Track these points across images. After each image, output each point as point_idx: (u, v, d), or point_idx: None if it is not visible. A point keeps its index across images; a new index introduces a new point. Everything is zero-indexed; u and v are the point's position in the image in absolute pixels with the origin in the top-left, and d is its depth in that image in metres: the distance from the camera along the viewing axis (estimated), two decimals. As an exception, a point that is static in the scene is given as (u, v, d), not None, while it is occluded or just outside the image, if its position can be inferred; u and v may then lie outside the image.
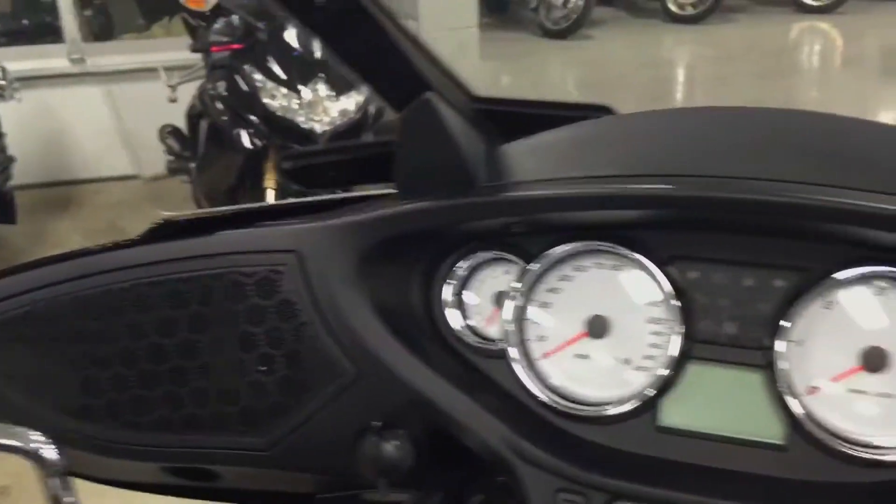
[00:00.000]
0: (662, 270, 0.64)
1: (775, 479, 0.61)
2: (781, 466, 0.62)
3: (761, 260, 0.63)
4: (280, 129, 2.95)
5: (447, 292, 0.70)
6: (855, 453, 0.59)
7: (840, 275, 0.60)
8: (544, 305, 0.68)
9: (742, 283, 0.64)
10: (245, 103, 3.01)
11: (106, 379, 0.69)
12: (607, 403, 0.65)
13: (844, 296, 0.61)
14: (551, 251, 0.66)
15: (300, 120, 2.94)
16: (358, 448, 0.66)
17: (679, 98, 6.68)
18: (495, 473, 0.67)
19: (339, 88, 2.98)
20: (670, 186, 0.62)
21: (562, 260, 0.67)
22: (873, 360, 0.60)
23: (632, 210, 0.63)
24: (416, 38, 0.64)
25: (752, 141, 0.65)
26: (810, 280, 0.61)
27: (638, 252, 0.64)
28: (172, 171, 3.80)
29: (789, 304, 0.62)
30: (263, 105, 2.95)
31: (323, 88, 2.98)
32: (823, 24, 8.05)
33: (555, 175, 0.65)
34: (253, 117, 2.99)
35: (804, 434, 0.61)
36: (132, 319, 0.68)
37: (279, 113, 2.95)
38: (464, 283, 0.70)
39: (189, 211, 0.70)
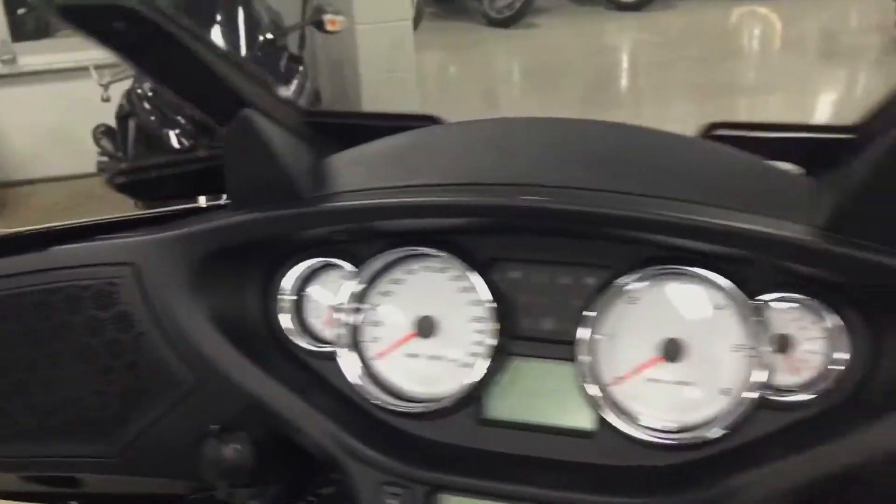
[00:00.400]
0: (481, 272, 0.67)
1: (586, 465, 0.66)
2: (591, 453, 0.66)
3: (569, 260, 0.68)
4: (208, 129, 2.93)
5: (283, 299, 0.73)
6: (654, 439, 0.64)
7: (638, 273, 0.64)
8: (376, 308, 0.71)
9: (554, 282, 0.68)
10: (172, 103, 2.98)
11: None
12: (436, 399, 0.69)
13: (644, 292, 0.66)
14: (376, 257, 0.69)
15: (229, 118, 2.92)
16: (200, 452, 0.69)
17: (624, 84, 6.79)
18: (330, 470, 0.70)
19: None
20: (481, 196, 0.65)
21: (391, 264, 0.70)
22: (671, 351, 0.65)
23: (446, 218, 0.66)
24: (234, 56, 0.66)
25: (565, 151, 0.68)
26: (613, 278, 0.66)
27: (457, 256, 0.67)
28: (104, 171, 3.74)
29: (595, 300, 0.66)
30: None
31: (252, 85, 2.96)
32: (763, 9, 8.22)
33: (378, 184, 0.68)
34: (180, 118, 2.97)
35: (609, 422, 0.65)
36: None
37: (207, 112, 2.92)
38: (300, 290, 0.73)
39: (28, 227, 0.72)
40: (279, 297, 0.73)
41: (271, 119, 0.66)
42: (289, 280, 0.72)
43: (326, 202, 0.66)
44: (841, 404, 0.61)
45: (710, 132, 0.68)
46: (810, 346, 0.64)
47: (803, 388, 0.64)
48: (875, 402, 0.59)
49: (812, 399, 0.62)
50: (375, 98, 4.34)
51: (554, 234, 0.67)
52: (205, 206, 0.73)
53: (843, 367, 0.62)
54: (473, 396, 0.67)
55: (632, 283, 0.65)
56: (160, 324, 0.68)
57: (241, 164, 0.66)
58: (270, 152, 0.65)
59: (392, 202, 0.65)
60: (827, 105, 5.86)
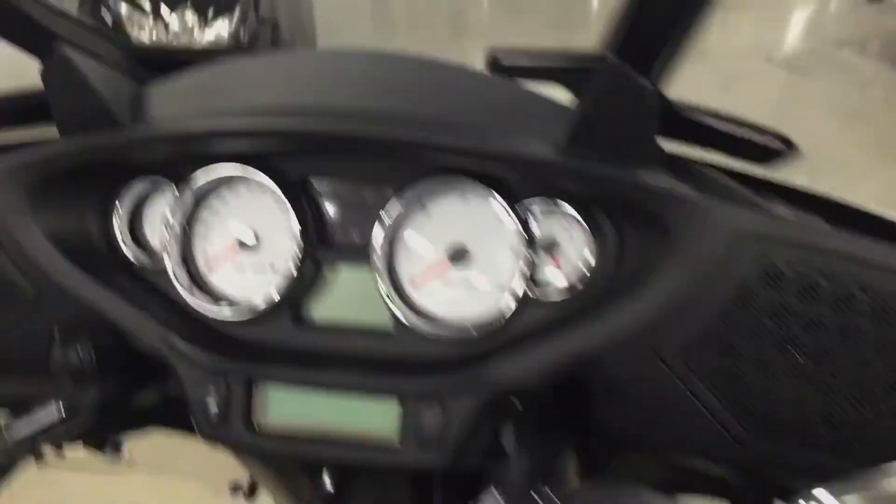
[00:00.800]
0: (292, 189, 0.74)
1: (386, 358, 0.74)
2: (390, 348, 0.75)
3: (369, 176, 0.75)
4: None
5: (118, 219, 0.80)
6: (441, 333, 0.72)
7: (422, 186, 0.72)
8: (204, 224, 0.78)
9: (357, 195, 0.75)
10: (112, 35, 2.96)
11: None
12: (259, 305, 0.77)
13: (430, 203, 0.73)
14: (193, 178, 0.75)
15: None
16: (48, 356, 0.77)
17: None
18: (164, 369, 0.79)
19: (208, 14, 2.96)
20: (279, 118, 0.70)
21: (216, 184, 0.77)
22: (457, 254, 0.73)
23: (252, 140, 0.72)
24: None
25: (363, 79, 0.74)
26: (402, 190, 0.73)
27: (268, 175, 0.74)
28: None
29: (389, 211, 0.73)
30: (130, 37, 2.92)
31: (191, 15, 2.95)
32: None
33: (189, 109, 0.73)
34: (120, 50, 2.95)
35: (403, 321, 0.73)
36: None
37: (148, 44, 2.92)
38: (135, 208, 0.80)
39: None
40: (115, 216, 0.79)
41: (89, 54, 0.71)
42: (123, 200, 0.79)
43: (141, 128, 0.72)
44: (592, 298, 0.70)
45: (496, 62, 0.74)
46: (569, 247, 0.72)
47: (564, 284, 0.72)
48: (617, 296, 0.67)
49: (570, 294, 0.71)
50: (330, 26, 4.30)
51: (354, 153, 0.73)
52: (44, 138, 0.78)
53: (592, 266, 0.70)
54: (290, 301, 0.75)
55: (419, 195, 0.72)
56: (3, 245, 0.75)
57: (63, 98, 0.72)
58: (88, 85, 0.70)
59: (198, 127, 0.70)
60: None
